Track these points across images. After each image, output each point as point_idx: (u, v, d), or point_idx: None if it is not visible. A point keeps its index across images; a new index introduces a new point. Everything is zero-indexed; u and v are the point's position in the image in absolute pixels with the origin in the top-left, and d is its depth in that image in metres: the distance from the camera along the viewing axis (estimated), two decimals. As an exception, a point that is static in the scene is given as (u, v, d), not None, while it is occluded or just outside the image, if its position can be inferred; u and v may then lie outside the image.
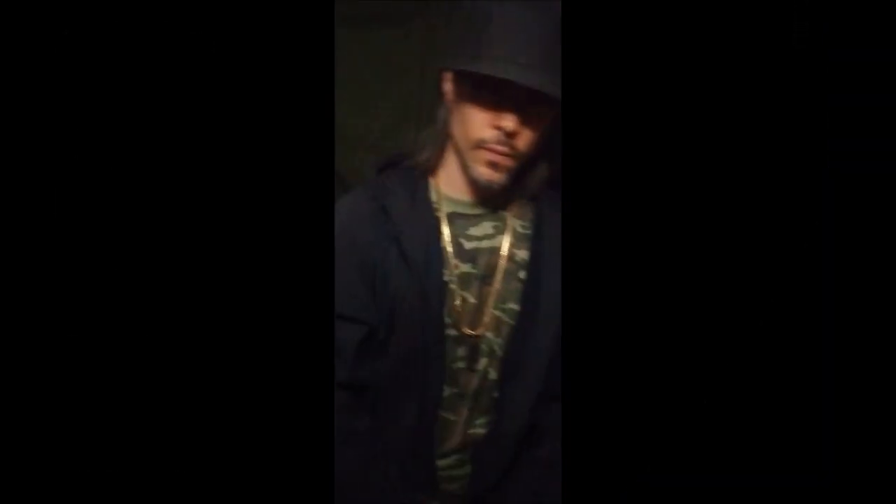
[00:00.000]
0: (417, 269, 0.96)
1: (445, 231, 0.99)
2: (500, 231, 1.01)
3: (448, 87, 0.97)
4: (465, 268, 0.99)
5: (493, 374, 1.00)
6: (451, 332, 0.98)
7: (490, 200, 1.00)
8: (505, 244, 1.00)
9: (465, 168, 0.97)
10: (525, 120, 0.92)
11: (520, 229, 1.02)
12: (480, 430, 1.01)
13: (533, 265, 1.00)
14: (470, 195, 1.01)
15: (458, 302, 0.97)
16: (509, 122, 0.90)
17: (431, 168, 1.02)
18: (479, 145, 0.93)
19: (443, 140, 1.00)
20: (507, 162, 0.94)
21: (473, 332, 0.98)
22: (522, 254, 1.01)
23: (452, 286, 0.98)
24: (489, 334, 0.99)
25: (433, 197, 1.01)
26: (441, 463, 1.02)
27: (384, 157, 1.07)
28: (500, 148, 0.92)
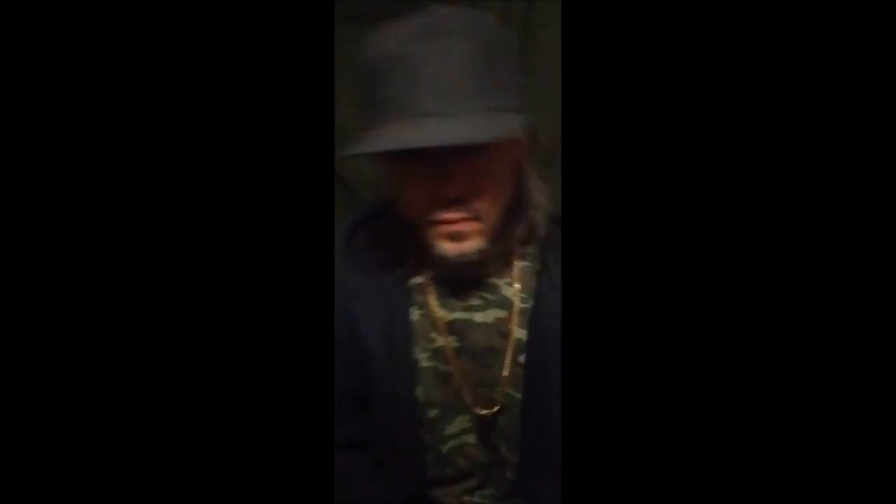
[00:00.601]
0: (377, 346, 0.84)
1: (420, 299, 0.86)
2: (491, 303, 0.86)
3: (380, 160, 0.81)
4: (446, 341, 0.85)
5: (505, 452, 0.87)
6: (433, 412, 0.85)
7: (479, 267, 0.84)
8: (497, 320, 0.85)
9: (430, 248, 0.81)
10: (474, 173, 0.75)
11: (518, 302, 0.86)
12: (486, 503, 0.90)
13: (533, 347, 0.84)
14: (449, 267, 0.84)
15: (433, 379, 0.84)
16: (451, 186, 0.75)
17: (408, 262, 0.87)
18: (431, 222, 0.78)
19: (401, 223, 0.83)
20: (472, 227, 0.78)
21: (484, 412, 0.85)
22: (520, 333, 0.85)
23: (426, 364, 0.85)
24: (485, 412, 0.86)
25: (412, 259, 0.86)
26: None
27: (358, 214, 0.92)
28: (454, 216, 0.77)
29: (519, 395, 0.85)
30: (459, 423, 0.88)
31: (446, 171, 0.75)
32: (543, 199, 0.84)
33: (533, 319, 0.85)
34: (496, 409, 0.85)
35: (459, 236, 0.78)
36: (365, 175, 1.58)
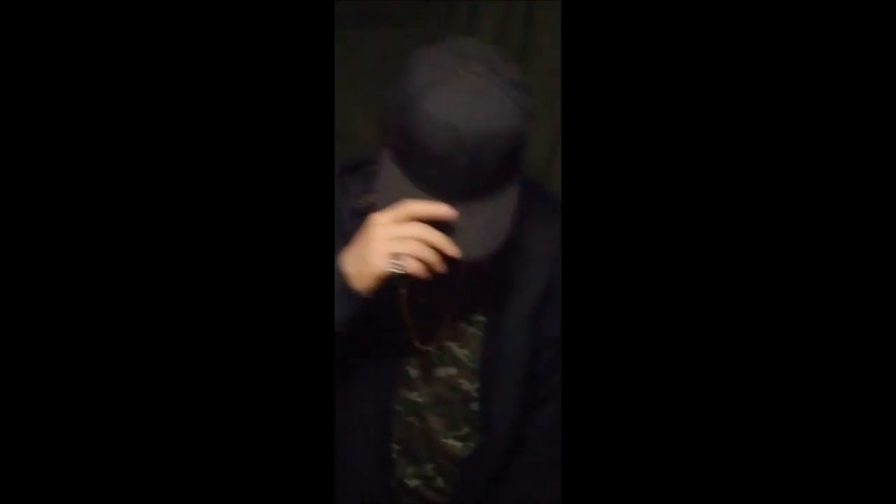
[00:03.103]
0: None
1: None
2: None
3: None
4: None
5: (465, 385, 0.98)
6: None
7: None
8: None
9: None
10: None
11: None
12: (457, 444, 0.99)
13: (500, 275, 0.95)
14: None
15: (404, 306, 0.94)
16: None
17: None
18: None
19: None
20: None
21: (426, 347, 0.96)
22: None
23: (402, 291, 0.94)
24: (452, 344, 0.96)
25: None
26: (410, 471, 1.01)
27: (348, 159, 1.02)
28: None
29: (484, 319, 0.97)
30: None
31: None
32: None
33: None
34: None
35: None
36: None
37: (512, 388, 0.97)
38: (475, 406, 0.98)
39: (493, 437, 0.98)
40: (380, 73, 1.57)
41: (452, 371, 0.97)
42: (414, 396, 0.98)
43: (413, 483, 1.01)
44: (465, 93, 0.77)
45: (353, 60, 1.51)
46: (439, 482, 1.01)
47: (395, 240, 0.80)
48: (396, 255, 0.80)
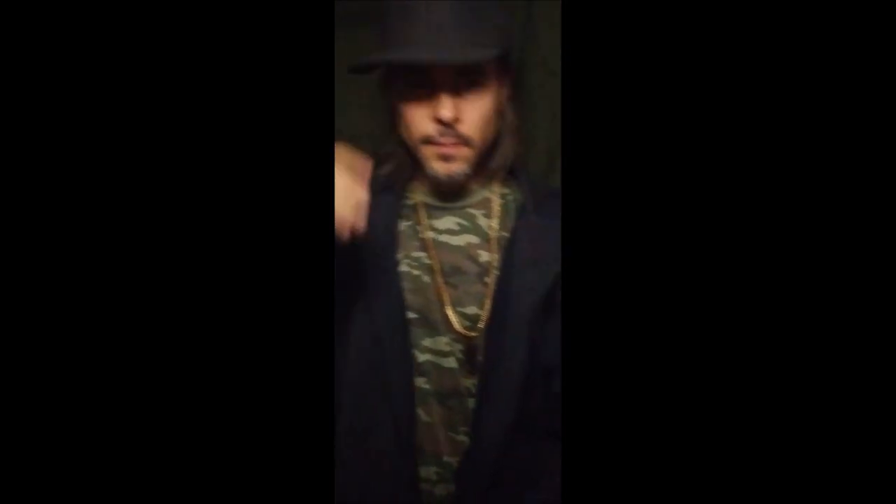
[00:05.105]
0: (368, 253, 0.95)
1: (410, 216, 0.99)
2: (465, 229, 0.99)
3: (387, 89, 0.97)
4: (421, 257, 0.97)
5: (465, 382, 0.96)
6: (412, 314, 0.96)
7: (460, 195, 0.99)
8: (466, 243, 0.98)
9: (423, 167, 0.96)
10: (464, 104, 0.90)
11: (491, 232, 0.98)
12: (463, 439, 0.96)
13: (504, 270, 0.95)
14: (437, 190, 0.99)
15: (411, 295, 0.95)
16: (445, 110, 0.89)
17: (402, 177, 1.00)
18: (426, 142, 0.92)
19: (401, 145, 0.98)
20: (460, 152, 0.92)
21: (471, 333, 0.94)
22: (486, 256, 0.97)
23: (405, 269, 0.97)
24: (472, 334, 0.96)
25: (406, 186, 1.01)
26: (422, 473, 0.97)
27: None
28: (445, 140, 0.91)
29: (477, 312, 0.96)
30: (437, 342, 0.97)
31: (443, 94, 0.90)
32: (517, 141, 0.99)
33: (507, 246, 0.97)
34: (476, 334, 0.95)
35: (449, 158, 0.93)
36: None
37: (505, 395, 0.94)
38: (472, 403, 0.96)
39: (484, 443, 0.95)
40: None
41: (453, 361, 0.96)
42: (427, 385, 0.97)
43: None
44: None
45: (353, 60, 1.50)
46: (439, 489, 0.98)
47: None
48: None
